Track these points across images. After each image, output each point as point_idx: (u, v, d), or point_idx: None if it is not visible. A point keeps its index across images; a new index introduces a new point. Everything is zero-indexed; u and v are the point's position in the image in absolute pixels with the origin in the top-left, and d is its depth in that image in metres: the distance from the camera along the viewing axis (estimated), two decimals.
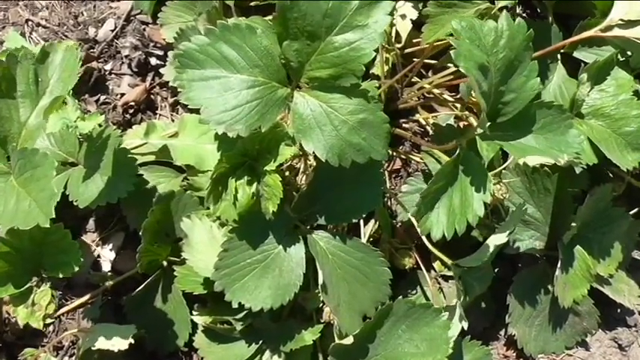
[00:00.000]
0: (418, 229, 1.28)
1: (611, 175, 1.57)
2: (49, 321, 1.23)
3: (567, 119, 1.24)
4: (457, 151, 1.26)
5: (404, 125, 1.64)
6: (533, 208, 1.48)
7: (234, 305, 1.26)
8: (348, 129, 1.15)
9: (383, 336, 1.26)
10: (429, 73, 1.70)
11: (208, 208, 1.27)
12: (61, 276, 1.25)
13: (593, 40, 1.51)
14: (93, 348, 1.28)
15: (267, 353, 1.34)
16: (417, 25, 1.56)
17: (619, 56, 1.44)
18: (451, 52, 1.11)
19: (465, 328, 1.31)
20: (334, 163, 1.15)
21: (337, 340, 1.27)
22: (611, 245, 1.49)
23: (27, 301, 1.23)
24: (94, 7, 1.78)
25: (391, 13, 1.12)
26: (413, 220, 1.43)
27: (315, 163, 1.39)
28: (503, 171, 1.44)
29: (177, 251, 1.42)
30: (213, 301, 1.39)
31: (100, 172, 1.43)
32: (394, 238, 1.51)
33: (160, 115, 1.68)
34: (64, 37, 1.73)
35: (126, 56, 1.71)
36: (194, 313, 1.40)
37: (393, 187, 1.62)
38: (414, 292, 1.55)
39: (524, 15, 1.67)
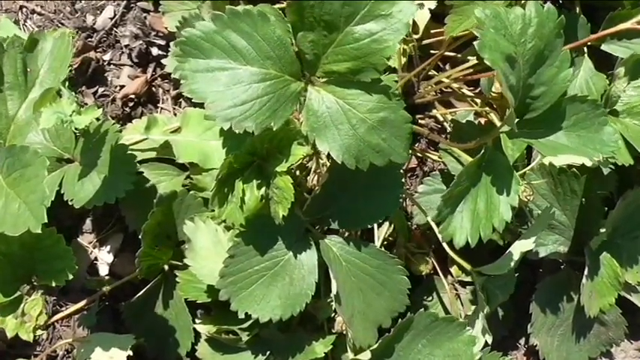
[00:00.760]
0: (439, 235, 1.18)
1: None
2: (39, 332, 1.12)
3: (601, 115, 1.13)
4: (482, 151, 1.15)
5: (420, 121, 1.53)
6: (559, 211, 1.38)
7: (241, 315, 1.16)
8: (366, 128, 1.03)
9: (402, 350, 1.16)
10: (447, 66, 1.59)
11: (213, 210, 1.16)
12: (54, 284, 1.14)
13: (623, 33, 1.39)
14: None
15: None
16: (434, 15, 1.45)
17: None
18: (475, 43, 1.00)
19: (489, 342, 1.20)
20: (351, 165, 1.04)
21: (351, 355, 1.16)
22: None
23: (16, 311, 1.13)
24: None
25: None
26: (431, 223, 1.33)
27: (328, 163, 1.28)
28: (527, 172, 1.33)
29: (180, 255, 1.32)
30: (217, 308, 1.28)
31: (97, 170, 1.32)
32: (410, 242, 1.40)
33: (162, 108, 1.57)
34: (60, 24, 1.61)
35: (126, 46, 1.59)
36: (197, 321, 1.30)
37: (408, 187, 1.51)
38: (430, 299, 1.44)
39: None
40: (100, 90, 1.56)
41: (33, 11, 1.64)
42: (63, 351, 1.34)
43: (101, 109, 1.34)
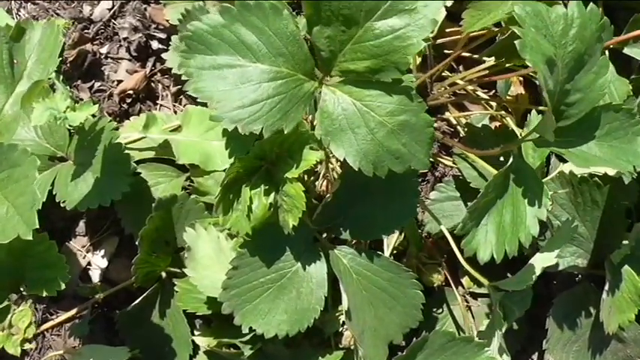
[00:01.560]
0: (453, 245, 1.08)
1: None
2: (27, 346, 1.01)
3: (636, 125, 1.03)
4: (508, 159, 1.05)
5: None
6: (578, 223, 1.28)
7: (244, 330, 1.06)
8: (386, 132, 0.93)
9: None
10: (460, 67, 1.49)
11: (216, 217, 1.06)
12: (44, 294, 1.03)
13: None
14: None
15: None
16: (450, 13, 1.35)
17: None
18: (516, 42, 0.90)
19: None
20: (368, 172, 0.94)
21: None
22: None
23: (3, 322, 1.02)
24: None
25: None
26: (445, 232, 1.23)
27: (338, 168, 1.18)
28: (547, 181, 1.24)
29: (178, 261, 1.22)
30: (218, 320, 1.18)
31: (91, 170, 1.22)
32: (421, 252, 1.30)
33: (161, 105, 1.46)
34: (55, 14, 1.50)
35: (124, 38, 1.48)
36: (196, 332, 1.21)
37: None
38: (440, 311, 1.35)
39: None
40: (97, 85, 1.45)
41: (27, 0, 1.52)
42: None
43: (97, 105, 1.24)
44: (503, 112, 1.40)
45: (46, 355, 1.21)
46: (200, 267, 1.10)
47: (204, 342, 1.17)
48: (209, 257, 1.10)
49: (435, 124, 1.43)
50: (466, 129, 1.35)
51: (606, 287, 1.26)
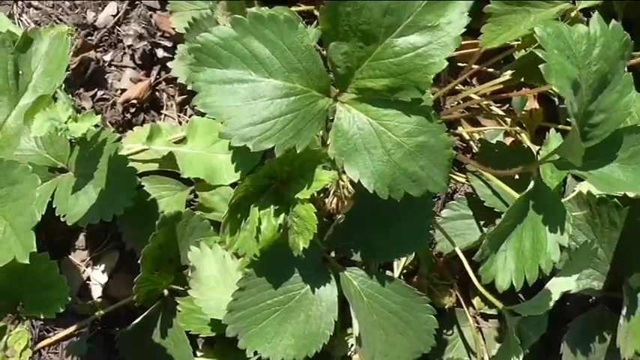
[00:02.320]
0: (469, 269, 1.03)
1: None
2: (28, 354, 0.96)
3: None
4: (527, 181, 1.00)
5: None
6: (595, 244, 1.23)
7: (249, 354, 1.01)
8: (403, 154, 0.88)
9: None
10: (474, 80, 1.44)
11: (221, 234, 1.00)
12: (42, 317, 0.97)
13: None
14: None
15: None
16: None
17: None
18: (541, 67, 0.84)
19: None
20: (383, 195, 0.89)
21: None
22: None
23: None
24: None
25: (470, 13, 0.85)
26: (458, 252, 1.18)
27: (349, 186, 1.13)
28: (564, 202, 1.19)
29: (181, 279, 1.17)
30: (222, 341, 1.13)
31: (93, 183, 1.17)
32: (432, 272, 1.25)
33: (166, 115, 1.40)
34: (58, 20, 1.44)
35: (129, 46, 1.43)
36: (198, 354, 1.15)
37: None
38: (451, 332, 1.29)
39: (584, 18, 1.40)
40: (99, 93, 1.40)
41: (29, 4, 1.47)
42: None
43: (100, 115, 1.19)
44: (517, 128, 1.35)
45: None
46: (204, 288, 1.05)
47: None
48: (214, 278, 1.05)
49: None
50: (480, 145, 1.30)
51: (623, 312, 1.20)
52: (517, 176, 1.23)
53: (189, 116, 1.39)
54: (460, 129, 1.37)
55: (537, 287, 1.12)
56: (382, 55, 0.86)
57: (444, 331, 1.29)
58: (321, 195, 1.15)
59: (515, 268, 0.95)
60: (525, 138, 1.32)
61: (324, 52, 0.91)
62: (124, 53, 1.43)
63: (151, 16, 1.45)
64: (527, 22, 1.06)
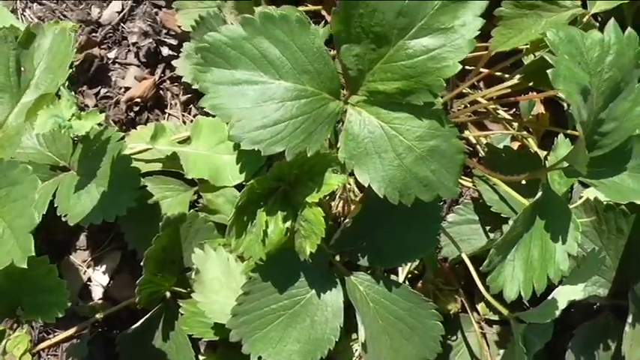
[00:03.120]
0: (489, 286, 1.00)
1: None
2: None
3: None
4: (536, 188, 0.98)
5: None
6: (602, 252, 1.21)
7: (253, 359, 0.98)
8: (414, 158, 0.86)
9: None
10: (481, 84, 1.42)
11: (226, 236, 0.98)
12: (41, 321, 0.95)
13: None
14: None
15: None
16: None
17: None
18: (548, 72, 0.82)
19: None
20: (394, 199, 0.87)
21: None
22: None
23: None
24: None
25: (483, 15, 0.83)
26: (464, 257, 1.17)
27: (356, 189, 1.11)
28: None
29: (184, 281, 1.14)
30: (225, 345, 1.10)
31: (95, 182, 1.15)
32: (438, 277, 1.23)
33: (170, 114, 1.38)
34: (62, 16, 1.42)
35: (133, 43, 1.40)
36: (200, 357, 1.12)
37: None
38: (455, 338, 1.27)
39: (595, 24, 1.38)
40: (103, 91, 1.37)
41: (33, 0, 1.44)
42: None
43: (103, 114, 1.16)
44: (524, 133, 1.33)
45: None
46: (208, 291, 1.02)
47: None
48: (218, 281, 1.03)
49: None
50: (487, 149, 1.28)
51: (629, 319, 1.18)
52: (524, 181, 1.21)
53: (194, 115, 1.37)
54: (467, 132, 1.35)
55: (543, 293, 1.10)
56: (395, 57, 0.84)
57: (449, 336, 1.27)
58: (327, 198, 1.13)
59: (524, 278, 0.93)
60: (532, 143, 1.31)
61: (334, 53, 0.90)
62: (129, 51, 1.40)
63: (156, 13, 1.42)
64: (539, 27, 1.04)
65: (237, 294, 0.99)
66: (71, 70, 1.35)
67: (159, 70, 1.39)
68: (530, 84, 1.23)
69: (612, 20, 0.91)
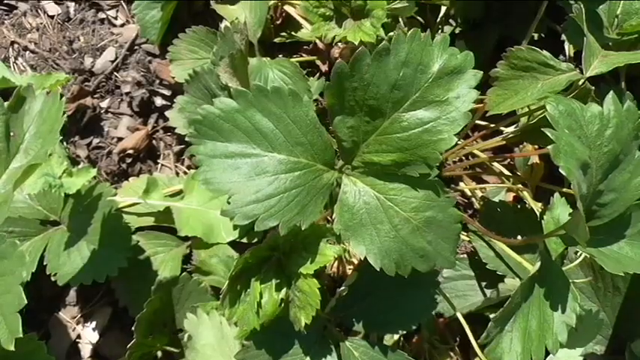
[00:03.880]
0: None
1: None
2: None
3: None
4: (537, 263, 0.97)
5: None
6: (598, 308, 1.19)
7: None
8: (410, 229, 0.85)
9: None
10: (475, 134, 1.41)
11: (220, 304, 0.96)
12: None
13: None
14: None
15: None
16: None
17: None
18: (549, 148, 0.81)
19: None
20: (390, 271, 0.85)
21: None
22: None
23: None
24: (93, 31, 1.46)
25: (478, 87, 0.82)
26: (459, 316, 1.15)
27: (352, 249, 1.09)
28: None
29: (176, 341, 1.12)
30: None
31: (86, 240, 1.13)
32: (433, 335, 1.21)
33: (163, 165, 1.36)
34: (54, 65, 1.41)
35: (126, 93, 1.39)
36: None
37: None
38: None
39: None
40: (95, 141, 1.36)
41: (26, 48, 1.43)
42: None
43: (95, 170, 1.15)
44: (520, 186, 1.32)
45: None
46: (201, 357, 1.00)
47: None
48: (211, 346, 1.00)
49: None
50: (482, 204, 1.27)
51: None
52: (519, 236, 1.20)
53: (187, 166, 1.35)
54: (462, 185, 1.34)
55: None
56: (389, 130, 0.83)
57: None
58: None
59: (522, 350, 0.91)
60: (527, 196, 1.29)
61: (326, 114, 0.89)
62: (122, 100, 1.39)
63: (150, 62, 1.42)
64: (534, 89, 1.03)
65: None
66: (63, 121, 1.35)
67: (152, 120, 1.38)
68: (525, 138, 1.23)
69: (611, 93, 0.90)
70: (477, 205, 1.33)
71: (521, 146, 1.39)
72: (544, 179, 1.34)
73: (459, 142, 1.32)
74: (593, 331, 1.09)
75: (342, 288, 0.97)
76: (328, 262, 0.87)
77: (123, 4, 1.48)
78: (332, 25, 1.11)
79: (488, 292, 1.24)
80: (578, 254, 1.19)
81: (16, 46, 1.43)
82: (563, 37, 1.32)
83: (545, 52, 1.05)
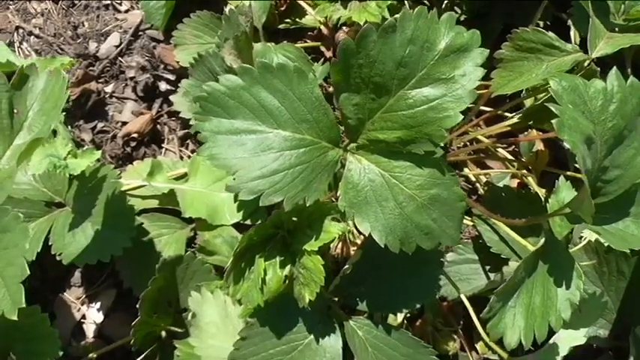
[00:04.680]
0: (489, 333, 0.99)
1: None
2: None
3: None
4: (538, 231, 0.98)
5: None
6: (605, 296, 1.20)
7: None
8: (415, 207, 0.85)
9: None
10: (480, 120, 1.41)
11: (222, 279, 0.97)
12: None
13: None
14: None
15: None
16: None
17: None
18: (553, 122, 0.82)
19: None
20: (395, 248, 0.86)
21: None
22: None
23: None
24: (98, 17, 1.47)
25: (484, 65, 0.82)
26: (463, 298, 1.15)
27: (355, 230, 1.10)
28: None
29: (180, 321, 1.12)
30: None
31: (91, 221, 1.14)
32: (437, 318, 1.22)
33: (167, 149, 1.37)
34: (59, 50, 1.41)
35: (131, 78, 1.40)
36: None
37: None
38: None
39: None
40: (100, 125, 1.36)
41: (30, 33, 1.44)
42: None
43: (99, 152, 1.16)
44: (524, 172, 1.32)
45: None
46: (205, 335, 1.01)
47: None
48: (215, 324, 1.01)
49: None
50: (486, 188, 1.28)
51: None
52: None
53: (191, 150, 1.36)
54: (467, 170, 1.35)
55: None
56: (395, 107, 0.83)
57: None
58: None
59: (525, 326, 0.92)
60: (532, 181, 1.30)
61: (332, 97, 0.89)
62: (126, 85, 1.40)
63: (154, 47, 1.42)
64: (539, 71, 1.04)
65: (234, 338, 0.98)
66: (68, 105, 1.36)
67: (156, 105, 1.38)
68: (530, 122, 1.24)
69: (615, 69, 0.91)
70: (481, 191, 1.34)
71: (525, 133, 1.40)
72: (548, 166, 1.34)
73: (463, 128, 1.33)
74: (597, 312, 1.09)
75: (347, 266, 0.97)
76: (332, 239, 0.88)
77: None
78: (337, 7, 1.11)
79: (492, 275, 1.24)
80: (583, 238, 1.19)
81: (20, 31, 1.44)
82: (569, 23, 1.33)
83: (550, 34, 1.05)
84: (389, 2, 1.06)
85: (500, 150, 1.34)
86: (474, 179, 1.34)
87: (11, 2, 1.47)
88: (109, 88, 1.39)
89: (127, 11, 1.48)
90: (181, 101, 1.30)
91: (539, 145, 1.40)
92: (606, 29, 1.13)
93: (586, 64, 1.03)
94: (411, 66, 0.81)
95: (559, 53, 1.04)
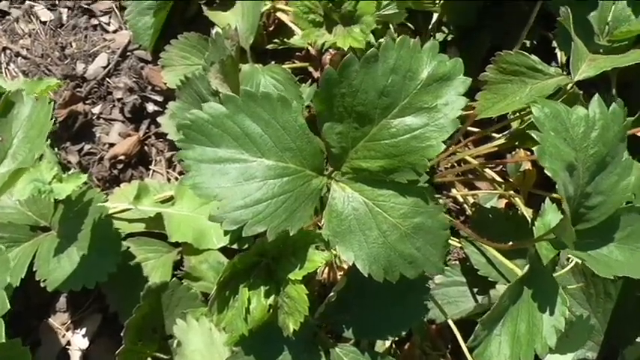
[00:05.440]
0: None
1: None
2: None
3: None
4: (526, 266, 0.97)
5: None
6: (590, 314, 1.20)
7: None
8: (399, 235, 0.85)
9: None
10: (467, 140, 1.42)
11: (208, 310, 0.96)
12: None
13: None
14: None
15: None
16: None
17: None
18: (534, 149, 0.83)
19: None
20: (378, 277, 0.86)
21: None
22: None
23: None
24: (85, 37, 1.47)
25: (466, 94, 0.83)
26: (450, 322, 1.15)
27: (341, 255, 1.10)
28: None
29: (166, 347, 1.12)
30: None
31: (76, 246, 1.13)
32: (425, 341, 1.21)
33: (154, 171, 1.37)
34: (46, 71, 1.41)
35: (118, 99, 1.40)
36: None
37: None
38: None
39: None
40: (87, 147, 1.36)
41: (18, 54, 1.44)
42: None
43: (85, 176, 1.15)
44: (512, 192, 1.33)
45: None
46: None
47: None
48: (200, 352, 1.01)
49: (441, 201, 1.36)
50: (474, 209, 1.28)
51: None
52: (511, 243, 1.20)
53: (179, 172, 1.36)
54: (454, 191, 1.35)
55: None
56: (378, 136, 0.83)
57: None
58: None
59: (510, 354, 0.92)
60: (519, 202, 1.30)
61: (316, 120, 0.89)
62: (114, 106, 1.40)
63: (142, 68, 1.42)
64: (523, 94, 1.04)
65: None
66: (55, 127, 1.36)
67: (143, 126, 1.38)
68: (517, 143, 1.24)
69: (597, 96, 0.91)
70: (469, 212, 1.34)
71: (513, 153, 1.40)
72: (536, 186, 1.34)
73: (450, 149, 1.33)
74: (584, 336, 1.09)
75: (331, 294, 0.97)
76: (317, 268, 0.88)
77: (115, 10, 1.49)
78: (322, 32, 1.12)
79: (479, 298, 1.24)
80: (570, 260, 1.19)
81: (8, 51, 1.44)
82: (554, 43, 1.34)
83: (533, 57, 1.06)
84: (373, 27, 1.07)
85: (487, 170, 1.34)
86: (461, 200, 1.34)
87: None
88: (96, 110, 1.39)
89: (115, 31, 1.48)
90: (169, 123, 1.30)
91: (527, 165, 1.41)
92: (590, 51, 1.14)
93: (569, 87, 1.04)
94: (393, 95, 0.81)
95: (542, 76, 1.04)
